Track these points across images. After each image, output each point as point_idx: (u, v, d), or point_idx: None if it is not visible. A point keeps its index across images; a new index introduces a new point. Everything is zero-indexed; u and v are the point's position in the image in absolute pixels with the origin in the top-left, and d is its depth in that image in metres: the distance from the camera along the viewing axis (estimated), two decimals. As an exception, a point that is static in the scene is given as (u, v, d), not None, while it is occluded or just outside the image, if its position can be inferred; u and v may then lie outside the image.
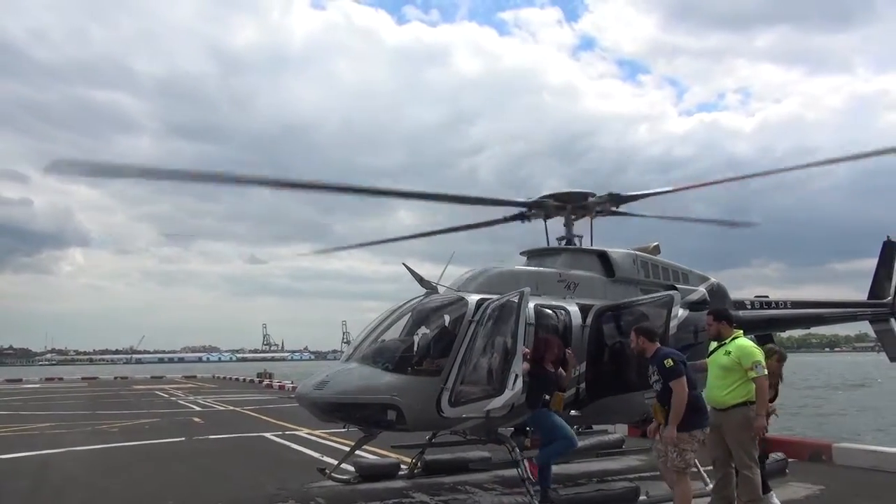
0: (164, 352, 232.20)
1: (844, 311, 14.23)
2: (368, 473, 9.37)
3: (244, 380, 44.73)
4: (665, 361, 6.70)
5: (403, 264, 8.69)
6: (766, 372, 6.84)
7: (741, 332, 7.32)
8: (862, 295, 15.35)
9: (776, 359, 7.81)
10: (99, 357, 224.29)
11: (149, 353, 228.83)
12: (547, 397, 7.74)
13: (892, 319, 14.47)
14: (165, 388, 38.76)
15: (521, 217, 10.35)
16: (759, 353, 6.95)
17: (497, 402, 7.42)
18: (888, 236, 15.69)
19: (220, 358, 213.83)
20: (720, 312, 7.55)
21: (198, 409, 23.82)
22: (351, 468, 9.46)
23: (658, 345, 7.00)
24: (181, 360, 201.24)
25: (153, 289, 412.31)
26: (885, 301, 14.68)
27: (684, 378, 6.59)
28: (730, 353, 6.98)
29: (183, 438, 14.96)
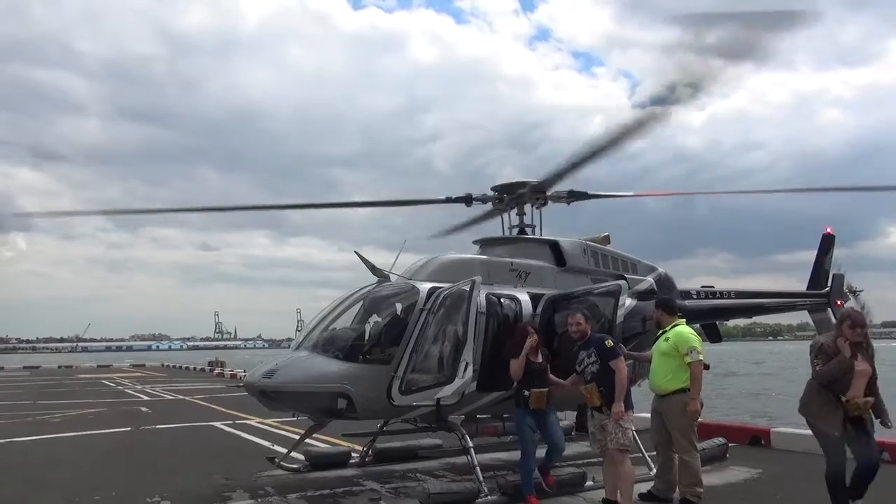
0: (111, 340, 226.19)
1: (784, 301, 14.73)
2: (319, 462, 9.36)
3: (195, 368, 43.93)
4: (606, 342, 6.96)
5: (355, 252, 8.65)
6: (700, 358, 7.05)
7: (682, 320, 7.55)
8: (803, 285, 15.92)
9: (847, 325, 6.14)
10: (42, 345, 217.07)
11: (95, 341, 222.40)
12: (526, 393, 7.25)
13: (829, 309, 15.04)
14: (112, 377, 37.79)
15: (466, 200, 10.37)
16: (695, 340, 7.17)
17: (447, 391, 7.52)
18: (827, 228, 16.29)
19: (170, 346, 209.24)
20: (659, 301, 7.88)
21: (146, 398, 23.32)
22: (301, 457, 9.41)
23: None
24: (129, 348, 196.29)
25: (100, 276, 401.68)
26: (822, 291, 15.25)
27: (623, 357, 6.91)
28: (668, 339, 7.22)
29: (129, 428, 14.63)
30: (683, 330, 7.31)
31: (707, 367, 7.95)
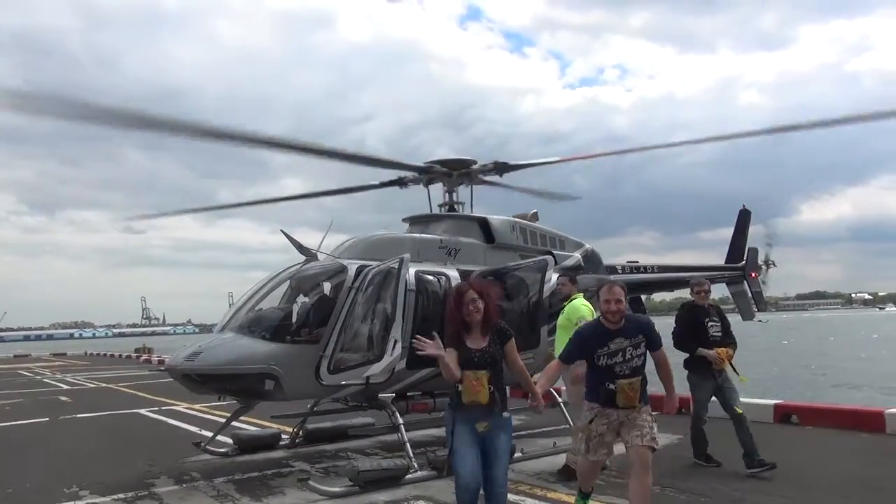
0: (29, 329, 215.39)
1: (704, 275, 15.31)
2: (248, 445, 9.20)
3: (121, 356, 42.47)
4: (654, 326, 5.29)
5: (282, 231, 8.52)
6: None
7: (580, 294, 7.78)
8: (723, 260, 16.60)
9: None
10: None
11: (12, 330, 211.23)
12: (458, 387, 4.76)
13: (745, 282, 15.78)
14: (30, 366, 36.10)
15: (399, 182, 10.34)
16: (585, 311, 7.37)
17: (376, 368, 7.52)
18: (744, 205, 17.03)
19: (94, 334, 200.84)
20: (563, 274, 8.21)
21: (66, 387, 22.36)
22: (229, 440, 9.23)
23: None
24: (50, 337, 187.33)
25: (16, 261, 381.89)
26: (739, 265, 15.97)
27: None
28: (564, 312, 7.53)
29: (47, 419, 14.00)
30: (576, 302, 7.58)
31: None
